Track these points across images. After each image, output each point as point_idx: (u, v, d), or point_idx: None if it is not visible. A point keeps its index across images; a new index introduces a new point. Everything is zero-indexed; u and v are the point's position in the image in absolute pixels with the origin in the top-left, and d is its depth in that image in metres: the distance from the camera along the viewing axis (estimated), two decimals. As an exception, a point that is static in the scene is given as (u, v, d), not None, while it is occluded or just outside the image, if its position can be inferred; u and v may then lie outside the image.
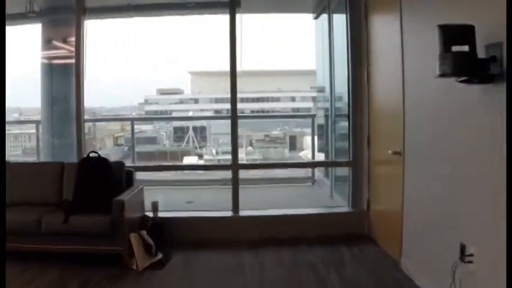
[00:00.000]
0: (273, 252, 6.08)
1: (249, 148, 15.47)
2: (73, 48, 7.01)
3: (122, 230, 5.45)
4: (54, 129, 7.52)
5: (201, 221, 6.60)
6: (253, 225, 6.58)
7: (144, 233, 5.72)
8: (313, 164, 9.46)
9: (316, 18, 9.12)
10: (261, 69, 16.87)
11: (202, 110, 17.01)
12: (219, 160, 14.67)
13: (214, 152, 15.47)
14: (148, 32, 13.61)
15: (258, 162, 13.90)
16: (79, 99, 6.73)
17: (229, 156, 15.10)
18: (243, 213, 6.73)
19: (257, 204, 7.46)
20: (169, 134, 17.02)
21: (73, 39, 7.03)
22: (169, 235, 6.23)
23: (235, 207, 6.73)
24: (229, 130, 14.90)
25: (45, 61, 7.41)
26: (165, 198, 7.43)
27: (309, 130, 16.82)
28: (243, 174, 7.71)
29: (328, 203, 8.08)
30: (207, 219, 6.62)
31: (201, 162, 14.52)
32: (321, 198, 8.52)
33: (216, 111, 16.16)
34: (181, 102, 17.52)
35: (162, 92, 17.68)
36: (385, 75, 5.92)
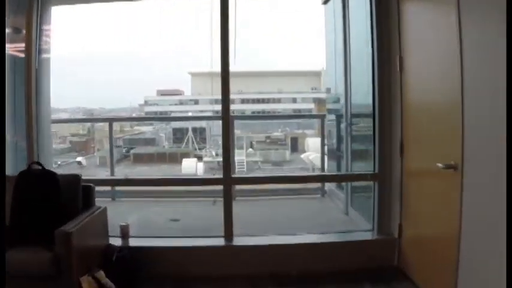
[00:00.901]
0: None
1: (250, 150, 14.57)
2: (48, 39, 5.23)
3: (69, 272, 3.59)
4: (18, 132, 5.62)
5: (184, 252, 4.61)
6: (250, 256, 4.62)
7: (101, 274, 3.84)
8: (325, 178, 7.04)
9: (325, 2, 7.29)
10: (261, 70, 16.11)
11: (202, 111, 16.10)
12: (218, 162, 14.00)
13: (213, 153, 14.42)
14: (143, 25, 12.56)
15: (258, 170, 12.54)
16: (29, 95, 4.80)
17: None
18: (238, 240, 4.74)
19: (255, 224, 5.51)
20: (169, 136, 15.92)
21: (48, 27, 5.25)
22: (141, 271, 4.28)
23: (229, 233, 4.74)
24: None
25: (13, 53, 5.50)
26: (145, 215, 5.63)
27: (311, 131, 15.89)
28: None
29: (343, 221, 6.05)
30: (192, 250, 4.62)
31: (200, 164, 13.60)
32: (333, 215, 6.40)
33: (216, 112, 14.55)
34: (181, 103, 16.41)
35: (162, 93, 16.98)
36: (429, 68, 4.05)
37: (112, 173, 6.90)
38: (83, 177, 4.26)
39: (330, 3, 7.14)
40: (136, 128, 16.36)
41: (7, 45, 5.37)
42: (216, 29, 4.72)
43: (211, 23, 5.46)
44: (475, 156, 3.25)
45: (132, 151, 15.29)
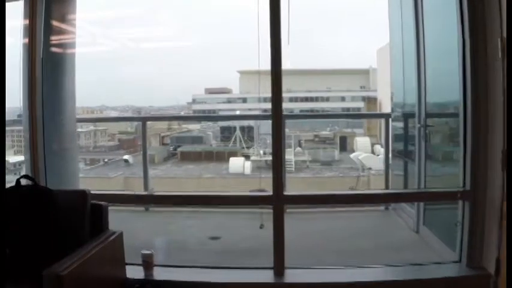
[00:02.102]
0: None
1: (298, 149, 13.63)
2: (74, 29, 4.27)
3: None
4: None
5: None
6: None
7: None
8: (401, 197, 4.77)
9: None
10: (309, 68, 15.24)
11: (250, 110, 15.58)
12: (266, 161, 13.16)
13: (261, 152, 13.51)
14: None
15: (306, 170, 11.50)
16: (33, 89, 3.66)
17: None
18: (290, 275, 3.46)
19: (309, 246, 4.23)
20: (216, 134, 15.18)
21: (73, 16, 4.26)
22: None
23: (279, 265, 3.45)
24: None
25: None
26: (179, 230, 4.48)
27: (360, 131, 14.82)
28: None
29: (413, 242, 4.65)
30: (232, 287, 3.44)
31: (248, 163, 13.06)
32: (401, 234, 4.95)
33: (264, 110, 13.80)
34: (229, 101, 15.99)
35: (210, 91, 16.11)
36: None
37: (145, 185, 5.56)
38: (94, 192, 3.14)
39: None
40: (184, 126, 15.70)
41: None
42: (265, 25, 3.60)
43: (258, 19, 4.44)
44: None
45: (179, 149, 14.61)
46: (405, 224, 5.20)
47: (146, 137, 6.05)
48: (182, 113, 15.92)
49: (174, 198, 3.83)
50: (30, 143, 3.72)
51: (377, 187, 11.89)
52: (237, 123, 14.13)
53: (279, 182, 3.39)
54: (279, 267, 3.45)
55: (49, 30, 4.05)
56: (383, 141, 13.56)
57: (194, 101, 16.10)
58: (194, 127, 15.67)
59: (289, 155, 12.65)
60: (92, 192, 3.06)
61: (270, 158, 13.15)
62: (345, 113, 13.84)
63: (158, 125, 14.75)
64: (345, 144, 14.41)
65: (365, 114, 12.98)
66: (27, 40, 3.89)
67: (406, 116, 5.47)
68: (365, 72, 15.79)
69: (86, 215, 2.98)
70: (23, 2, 3.87)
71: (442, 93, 4.33)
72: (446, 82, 4.04)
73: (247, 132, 14.25)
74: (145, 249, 3.48)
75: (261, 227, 4.38)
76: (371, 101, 15.13)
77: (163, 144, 15.21)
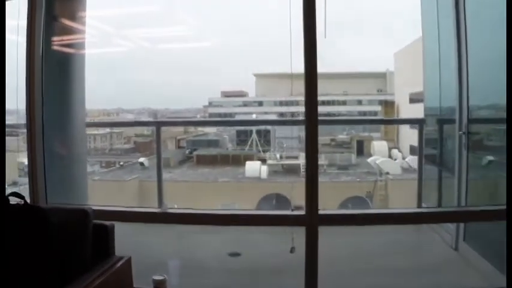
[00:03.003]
0: None
1: None
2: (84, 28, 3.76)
3: None
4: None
5: None
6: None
7: None
8: (437, 217, 3.81)
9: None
10: (326, 72, 14.85)
11: (266, 113, 15.14)
12: (283, 165, 12.90)
13: (278, 156, 13.55)
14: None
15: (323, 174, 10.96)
16: (32, 92, 3.15)
17: (294, 162, 11.91)
18: None
19: (339, 267, 3.67)
20: (232, 137, 15.04)
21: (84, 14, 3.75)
22: None
23: None
24: (293, 134, 12.25)
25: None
26: (195, 245, 3.97)
27: (377, 135, 14.40)
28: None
29: (453, 261, 4.08)
30: None
31: (264, 167, 12.84)
32: (438, 251, 4.34)
33: (280, 114, 13.88)
34: (245, 104, 15.73)
35: (226, 94, 16.20)
36: None
37: (159, 197, 5.01)
38: (98, 209, 2.62)
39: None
40: (200, 129, 15.46)
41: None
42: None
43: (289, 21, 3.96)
44: None
45: (195, 152, 14.35)
46: (441, 240, 4.59)
47: (161, 142, 5.52)
48: (198, 117, 15.72)
49: (190, 217, 3.22)
50: (28, 148, 3.24)
51: (395, 193, 11.46)
52: (253, 127, 13.84)
53: (313, 200, 2.79)
54: None
55: (53, 29, 3.59)
56: (400, 145, 13.10)
57: (210, 104, 15.87)
58: (210, 130, 15.46)
59: (304, 159, 12.29)
60: (96, 208, 2.55)
61: (286, 162, 12.86)
62: (374, 118, 13.29)
63: (174, 128, 14.56)
64: (361, 148, 14.23)
65: (395, 120, 12.29)
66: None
67: (442, 122, 4.87)
68: (382, 76, 15.56)
69: (87, 238, 2.44)
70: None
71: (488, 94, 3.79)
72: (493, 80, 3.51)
73: (264, 135, 14.02)
74: (156, 274, 2.96)
75: (292, 251, 3.81)
76: (388, 104, 14.77)
77: (179, 147, 14.98)
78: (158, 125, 5.23)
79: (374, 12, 13.36)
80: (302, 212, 2.83)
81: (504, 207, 2.81)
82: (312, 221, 2.80)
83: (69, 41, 3.78)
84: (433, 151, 5.31)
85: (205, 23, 12.26)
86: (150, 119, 12.71)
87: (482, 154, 4.13)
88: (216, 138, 15.22)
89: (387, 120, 12.49)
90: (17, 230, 2.28)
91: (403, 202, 10.43)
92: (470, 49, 4.07)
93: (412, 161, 11.83)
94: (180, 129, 14.90)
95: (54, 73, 3.51)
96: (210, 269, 3.81)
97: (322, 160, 13.35)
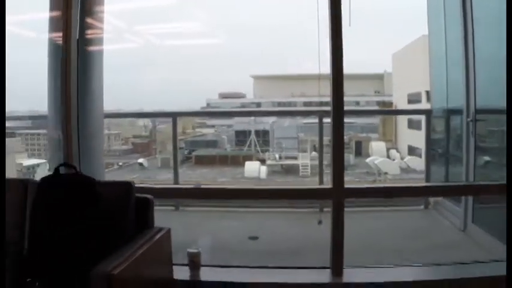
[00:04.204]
0: None
1: (314, 153, 13.15)
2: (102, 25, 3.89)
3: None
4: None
5: None
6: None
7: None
8: (451, 190, 4.06)
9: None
10: (323, 73, 15.00)
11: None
12: (282, 165, 13.24)
13: (277, 156, 13.49)
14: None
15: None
16: (68, 88, 3.34)
17: (294, 162, 11.95)
18: (350, 274, 3.15)
19: (352, 245, 3.90)
20: (231, 138, 15.01)
21: (101, 8, 3.88)
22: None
23: (337, 265, 3.13)
24: (292, 134, 12.47)
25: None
26: (215, 231, 4.17)
27: (375, 135, 14.58)
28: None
29: (462, 240, 4.37)
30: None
31: (264, 167, 12.73)
32: (447, 232, 4.70)
33: (280, 115, 14.30)
34: (243, 106, 15.85)
35: (224, 96, 16.23)
36: None
37: (176, 180, 5.30)
38: (138, 185, 2.81)
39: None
40: (197, 130, 15.56)
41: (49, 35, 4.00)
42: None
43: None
44: None
45: (193, 153, 14.42)
46: (449, 223, 4.86)
47: (177, 133, 5.83)
48: (196, 119, 15.78)
49: (223, 192, 3.46)
50: (65, 143, 3.43)
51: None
52: (252, 127, 13.95)
53: (340, 176, 3.06)
54: (337, 267, 3.10)
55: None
56: (399, 146, 13.31)
57: (208, 105, 15.96)
58: (208, 131, 15.49)
59: (305, 160, 12.50)
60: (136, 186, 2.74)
61: (285, 162, 12.99)
62: (384, 109, 14.05)
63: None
64: (360, 149, 14.17)
65: (403, 111, 12.78)
66: (52, 35, 3.65)
67: (450, 113, 5.16)
68: (379, 77, 15.65)
69: (130, 209, 2.66)
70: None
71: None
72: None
73: (262, 136, 14.09)
74: (191, 248, 3.16)
75: (320, 223, 4.02)
76: (386, 105, 14.94)
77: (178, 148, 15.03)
78: (174, 115, 5.61)
79: (372, 12, 13.49)
80: (329, 187, 3.05)
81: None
82: (338, 194, 3.02)
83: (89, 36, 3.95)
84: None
85: (206, 25, 12.36)
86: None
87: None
88: (214, 138, 15.30)
89: (395, 110, 13.33)
90: (67, 197, 2.47)
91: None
92: (477, 47, 4.37)
93: (411, 161, 12.08)
94: (179, 130, 14.96)
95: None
96: (232, 250, 4.01)
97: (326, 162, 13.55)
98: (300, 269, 3.28)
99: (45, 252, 2.42)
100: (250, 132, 14.00)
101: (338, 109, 3.11)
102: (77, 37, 3.49)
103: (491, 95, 4.26)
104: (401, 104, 13.42)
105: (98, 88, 3.86)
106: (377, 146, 13.88)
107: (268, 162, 13.20)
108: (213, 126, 15.83)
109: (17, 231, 2.72)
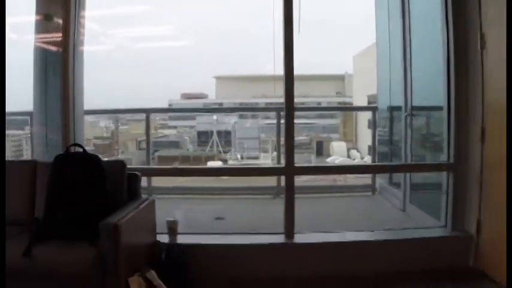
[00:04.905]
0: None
1: (275, 153, 13.65)
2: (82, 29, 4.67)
3: (117, 271, 3.00)
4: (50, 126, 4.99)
5: (240, 249, 4.00)
6: (316, 256, 4.01)
7: (152, 274, 3.25)
8: (396, 168, 5.78)
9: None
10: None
11: (227, 115, 15.34)
12: (244, 165, 13.57)
13: (239, 156, 14.01)
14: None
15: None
16: (66, 86, 4.20)
17: (255, 161, 12.36)
18: (300, 237, 4.11)
19: (306, 220, 4.86)
20: (193, 139, 15.50)
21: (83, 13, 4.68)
22: (193, 271, 3.70)
23: (289, 229, 4.09)
24: (254, 135, 13.24)
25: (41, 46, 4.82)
26: (186, 213, 5.02)
27: (336, 136, 15.40)
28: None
29: (401, 218, 5.49)
30: (249, 248, 4.01)
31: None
32: (389, 212, 5.87)
33: (241, 116, 14.54)
34: (205, 106, 16.27)
35: (187, 97, 16.45)
36: None
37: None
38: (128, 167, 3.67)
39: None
40: (160, 131, 16.02)
41: (35, 36, 4.77)
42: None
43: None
44: None
45: (156, 153, 14.88)
46: (392, 206, 5.90)
47: (150, 128, 6.68)
48: (157, 119, 16.23)
49: (198, 171, 4.58)
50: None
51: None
52: (214, 128, 14.55)
53: (290, 156, 4.11)
54: (289, 231, 4.06)
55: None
56: (359, 146, 14.19)
57: (170, 106, 16.44)
58: (171, 132, 15.97)
59: (267, 159, 13.11)
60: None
61: (247, 162, 13.58)
62: (335, 106, 15.15)
63: (135, 130, 15.05)
64: (321, 149, 14.91)
65: (353, 107, 14.05)
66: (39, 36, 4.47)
67: (392, 110, 6.18)
68: (341, 78, 16.38)
69: (124, 181, 3.54)
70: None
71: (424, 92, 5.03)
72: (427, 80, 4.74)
73: (225, 136, 14.63)
74: (169, 218, 4.03)
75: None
76: (347, 106, 15.75)
77: (140, 149, 15.50)
78: (148, 112, 6.46)
79: (333, 15, 14.19)
80: (282, 165, 4.02)
81: (441, 162, 4.07)
82: (290, 170, 3.99)
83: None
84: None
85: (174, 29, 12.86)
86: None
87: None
88: (176, 139, 15.80)
89: (345, 107, 14.69)
90: (78, 169, 3.33)
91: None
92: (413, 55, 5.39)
93: (370, 161, 12.99)
94: (141, 131, 15.37)
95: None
96: (201, 227, 4.86)
97: (282, 160, 14.20)
98: (260, 235, 4.22)
99: (61, 214, 3.25)
100: (212, 132, 14.50)
101: (289, 101, 4.12)
102: (74, 40, 4.29)
103: (425, 95, 5.23)
104: (361, 103, 14.31)
105: (80, 88, 4.65)
106: (338, 146, 14.57)
107: (230, 162, 13.66)
108: (175, 127, 16.22)
109: (28, 202, 3.57)
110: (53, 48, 4.65)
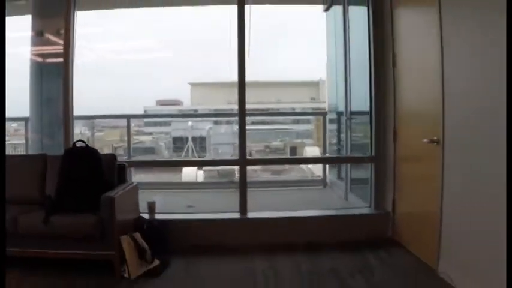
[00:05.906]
0: (287, 259, 5.06)
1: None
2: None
3: (112, 232, 4.45)
4: (44, 131, 6.34)
5: (204, 224, 5.56)
6: (263, 228, 5.56)
7: (138, 235, 4.70)
8: (329, 160, 8.45)
9: (326, 10, 8.27)
10: (259, 80, 16.61)
11: (202, 121, 16.32)
12: (218, 171, 14.62)
13: None
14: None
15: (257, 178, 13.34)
16: (67, 95, 5.78)
17: (230, 167, 13.85)
18: (251, 215, 5.70)
19: (265, 208, 6.32)
20: (169, 145, 16.50)
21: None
22: (167, 240, 5.15)
23: (243, 208, 5.69)
24: (229, 140, 14.49)
25: (36, 58, 6.23)
26: (163, 202, 6.45)
27: (310, 141, 16.65)
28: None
29: (343, 204, 7.11)
30: (211, 222, 5.59)
31: (200, 172, 13.95)
32: (335, 201, 7.51)
33: (216, 122, 15.54)
34: (180, 113, 17.05)
35: (162, 103, 17.46)
36: (417, 65, 5.06)
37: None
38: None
39: (330, 11, 8.10)
40: (135, 137, 16.83)
41: (30, 48, 6.20)
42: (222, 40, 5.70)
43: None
44: (452, 132, 4.20)
45: (133, 159, 15.74)
46: (337, 196, 7.45)
47: (130, 133, 8.10)
48: (133, 125, 17.16)
49: (171, 162, 6.25)
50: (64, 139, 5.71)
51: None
52: (189, 134, 15.59)
53: (243, 152, 5.69)
54: (243, 209, 5.66)
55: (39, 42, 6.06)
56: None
57: (146, 113, 17.32)
58: (146, 138, 16.90)
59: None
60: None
61: (222, 167, 14.68)
62: (291, 111, 16.27)
63: (110, 136, 15.94)
64: (294, 154, 15.64)
65: (306, 113, 15.66)
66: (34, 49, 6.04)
67: (339, 114, 7.72)
68: (315, 84, 17.51)
69: (115, 170, 5.02)
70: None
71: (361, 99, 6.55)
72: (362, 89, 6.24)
73: (200, 142, 15.64)
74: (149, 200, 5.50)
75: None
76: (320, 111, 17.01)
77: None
78: (128, 117, 7.88)
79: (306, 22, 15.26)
80: (237, 158, 5.53)
81: (366, 155, 5.60)
82: (243, 162, 5.53)
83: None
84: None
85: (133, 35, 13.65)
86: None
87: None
88: (152, 146, 16.79)
89: (299, 113, 15.88)
90: (82, 160, 4.77)
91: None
92: (352, 68, 6.89)
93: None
94: (116, 137, 16.31)
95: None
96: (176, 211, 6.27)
97: (256, 165, 15.47)
98: (219, 213, 5.80)
99: (69, 193, 4.69)
100: (187, 138, 15.15)
101: (242, 106, 5.74)
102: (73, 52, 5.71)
103: (360, 102, 6.71)
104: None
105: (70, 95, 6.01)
106: (311, 151, 15.71)
107: (205, 167, 14.79)
108: (150, 133, 17.14)
109: (41, 185, 5.01)
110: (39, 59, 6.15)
